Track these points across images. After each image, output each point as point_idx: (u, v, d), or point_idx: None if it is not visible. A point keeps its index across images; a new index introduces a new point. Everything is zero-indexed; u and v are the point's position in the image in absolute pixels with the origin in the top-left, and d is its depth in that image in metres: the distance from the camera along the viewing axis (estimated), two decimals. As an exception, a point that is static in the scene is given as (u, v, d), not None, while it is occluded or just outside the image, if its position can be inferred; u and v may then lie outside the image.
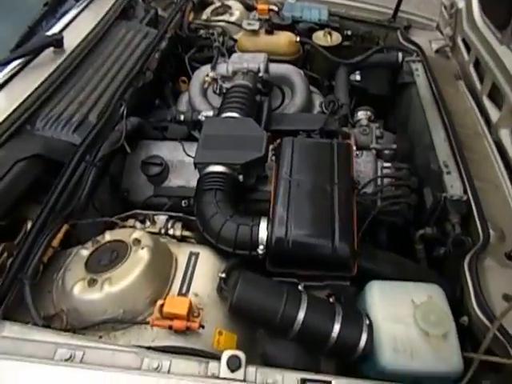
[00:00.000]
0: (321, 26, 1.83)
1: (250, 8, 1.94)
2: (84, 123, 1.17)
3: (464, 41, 1.62)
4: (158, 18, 1.83)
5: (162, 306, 0.83)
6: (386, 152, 1.35)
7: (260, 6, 1.89)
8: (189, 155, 1.27)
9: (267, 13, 1.88)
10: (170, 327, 0.81)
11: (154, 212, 1.15)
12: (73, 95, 1.23)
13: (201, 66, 1.71)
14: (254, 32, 1.69)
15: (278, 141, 1.20)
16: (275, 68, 1.50)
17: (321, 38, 1.73)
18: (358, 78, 1.79)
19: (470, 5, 1.53)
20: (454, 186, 1.13)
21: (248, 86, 1.36)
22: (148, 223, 1.13)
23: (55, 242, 0.94)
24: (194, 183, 1.29)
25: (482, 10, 1.45)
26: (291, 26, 1.80)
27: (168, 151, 1.35)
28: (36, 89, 1.16)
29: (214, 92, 1.49)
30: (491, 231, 1.00)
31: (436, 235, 1.14)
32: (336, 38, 1.74)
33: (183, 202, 1.28)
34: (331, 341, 0.83)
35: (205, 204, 1.03)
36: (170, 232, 1.09)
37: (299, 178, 1.06)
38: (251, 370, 0.75)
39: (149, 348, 0.79)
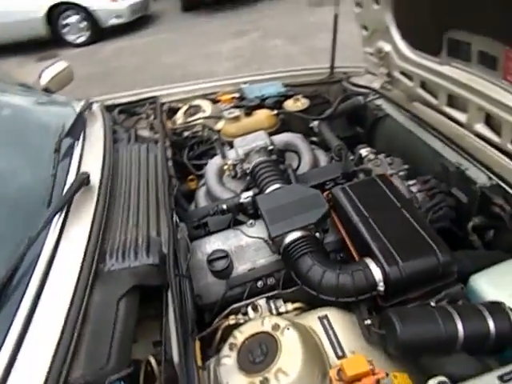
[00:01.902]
0: (283, 96, 2.08)
1: (214, 101, 2.14)
2: (151, 242, 1.16)
3: (402, 73, 1.97)
4: (137, 135, 1.93)
5: (339, 373, 0.84)
6: (401, 173, 1.54)
7: (224, 97, 2.12)
8: (252, 237, 1.31)
9: (232, 101, 2.10)
10: (363, 388, 0.81)
11: (249, 300, 1.15)
12: (124, 222, 1.23)
13: (195, 161, 1.83)
14: (236, 118, 1.86)
15: (326, 193, 1.32)
16: (278, 138, 1.67)
17: (292, 105, 1.97)
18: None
19: (397, 47, 1.90)
20: (479, 177, 1.33)
21: (270, 160, 1.49)
22: (252, 312, 1.12)
23: (199, 362, 0.89)
24: (260, 262, 1.33)
25: (412, 47, 1.81)
26: (260, 105, 2.02)
27: (221, 243, 1.38)
28: (90, 231, 1.14)
29: (233, 177, 1.58)
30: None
31: (486, 221, 1.31)
32: (305, 102, 1.99)
33: (259, 283, 1.30)
34: (491, 337, 0.90)
35: (307, 269, 1.07)
36: (282, 310, 1.09)
37: (370, 214, 1.17)
38: (457, 389, 0.78)
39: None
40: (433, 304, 0.99)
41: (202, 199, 1.66)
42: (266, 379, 0.83)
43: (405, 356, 0.92)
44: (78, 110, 1.89)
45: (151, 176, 1.47)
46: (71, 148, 1.51)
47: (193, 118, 2.00)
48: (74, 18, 7.33)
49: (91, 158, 1.48)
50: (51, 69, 2.25)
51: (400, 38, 1.86)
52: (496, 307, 0.94)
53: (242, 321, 1.11)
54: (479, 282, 1.08)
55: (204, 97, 2.18)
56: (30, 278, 0.97)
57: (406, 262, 1.02)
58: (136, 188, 1.39)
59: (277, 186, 1.36)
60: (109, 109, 2.05)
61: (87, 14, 7.24)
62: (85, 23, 7.37)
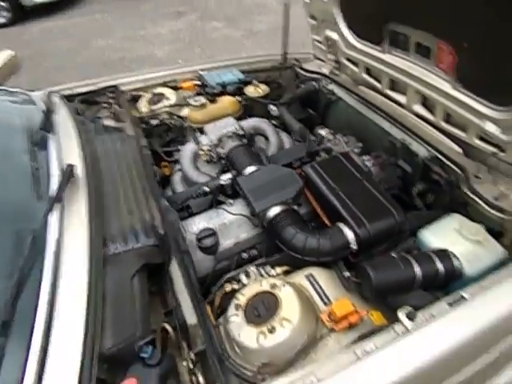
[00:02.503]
0: (242, 83, 2.20)
1: (175, 88, 2.20)
2: (147, 226, 1.26)
3: (348, 59, 2.18)
4: (103, 124, 1.94)
5: (330, 315, 1.04)
6: (356, 150, 1.77)
7: (185, 85, 2.19)
8: (235, 214, 1.46)
9: (194, 88, 2.18)
10: (350, 324, 1.02)
11: (240, 269, 1.31)
12: (117, 209, 1.30)
13: (165, 149, 1.91)
14: (202, 105, 1.95)
15: (297, 171, 1.50)
16: (246, 123, 1.80)
17: (253, 91, 2.10)
18: (276, 113, 2.20)
19: (343, 36, 2.10)
20: (420, 150, 1.59)
21: (243, 144, 1.62)
22: (245, 279, 1.28)
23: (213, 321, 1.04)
24: (243, 236, 1.48)
25: (358, 36, 2.01)
26: (221, 91, 2.12)
27: (206, 222, 1.50)
28: (90, 219, 1.20)
29: (208, 162, 1.70)
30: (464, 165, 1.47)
31: (427, 186, 1.58)
32: (265, 88, 2.13)
33: (243, 255, 1.45)
34: (440, 275, 1.15)
35: (291, 237, 1.25)
36: (272, 273, 1.26)
37: (338, 186, 1.37)
38: (419, 313, 1.01)
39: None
40: (394, 255, 1.23)
41: (178, 184, 1.76)
42: (273, 327, 1.00)
43: (377, 297, 1.14)
44: (37, 101, 1.86)
45: (132, 165, 1.53)
46: (45, 140, 1.52)
47: (158, 106, 2.05)
48: (-9, -4, 6.64)
49: (68, 149, 1.51)
50: (-4, 58, 2.15)
51: (346, 28, 2.06)
52: (442, 253, 1.20)
53: (236, 287, 1.26)
54: (426, 235, 1.33)
55: (164, 84, 2.22)
56: (42, 268, 1.03)
57: (371, 223, 1.24)
58: (120, 177, 1.46)
59: (253, 167, 1.50)
60: (69, 99, 2.02)
61: (7, -9, 6.60)
62: (5, 1, 6.69)
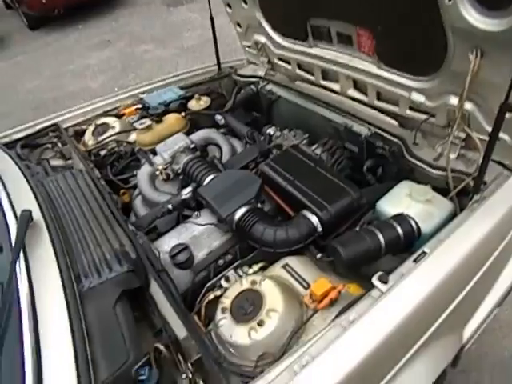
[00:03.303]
0: (184, 99, 2.24)
1: (118, 116, 2.19)
2: (118, 253, 1.26)
3: (280, 59, 2.28)
4: (50, 165, 1.91)
5: (311, 296, 1.09)
6: (305, 141, 1.86)
7: (127, 110, 2.19)
8: (203, 224, 1.48)
9: (136, 112, 2.19)
10: (331, 300, 1.08)
11: (220, 275, 1.34)
12: (84, 244, 1.29)
13: (120, 176, 1.90)
14: (148, 127, 1.96)
15: (254, 171, 1.56)
16: (196, 136, 1.83)
17: (195, 105, 2.14)
18: (223, 121, 2.25)
19: (271, 38, 2.20)
20: (362, 130, 1.71)
21: (197, 156, 1.66)
22: (225, 283, 1.31)
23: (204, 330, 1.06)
24: (215, 244, 1.51)
25: (284, 36, 2.12)
26: (165, 110, 2.14)
27: (176, 239, 1.51)
28: (57, 261, 1.18)
29: (165, 180, 1.71)
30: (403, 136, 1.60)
31: (375, 161, 1.69)
32: (207, 100, 2.18)
33: (219, 262, 1.48)
34: (402, 238, 1.24)
35: (261, 233, 1.30)
36: (250, 272, 1.30)
37: (295, 177, 1.44)
38: (391, 276, 1.09)
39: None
40: (358, 229, 1.31)
41: (140, 208, 1.75)
42: (261, 320, 1.04)
43: (350, 271, 1.21)
44: (-25, 154, 1.79)
45: (89, 198, 1.52)
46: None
47: (104, 136, 2.03)
48: None
49: (20, 195, 1.46)
50: None
51: (272, 30, 2.16)
52: (399, 217, 1.29)
53: (219, 293, 1.29)
54: (382, 205, 1.43)
55: (106, 114, 2.21)
56: (20, 317, 1.00)
57: (331, 204, 1.32)
58: (80, 212, 1.44)
59: (211, 176, 1.54)
60: (8, 146, 1.96)
61: None
62: None
